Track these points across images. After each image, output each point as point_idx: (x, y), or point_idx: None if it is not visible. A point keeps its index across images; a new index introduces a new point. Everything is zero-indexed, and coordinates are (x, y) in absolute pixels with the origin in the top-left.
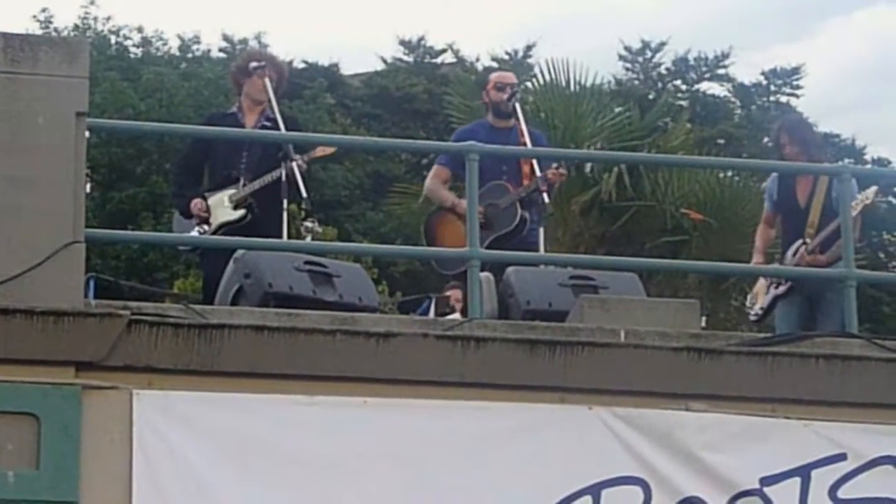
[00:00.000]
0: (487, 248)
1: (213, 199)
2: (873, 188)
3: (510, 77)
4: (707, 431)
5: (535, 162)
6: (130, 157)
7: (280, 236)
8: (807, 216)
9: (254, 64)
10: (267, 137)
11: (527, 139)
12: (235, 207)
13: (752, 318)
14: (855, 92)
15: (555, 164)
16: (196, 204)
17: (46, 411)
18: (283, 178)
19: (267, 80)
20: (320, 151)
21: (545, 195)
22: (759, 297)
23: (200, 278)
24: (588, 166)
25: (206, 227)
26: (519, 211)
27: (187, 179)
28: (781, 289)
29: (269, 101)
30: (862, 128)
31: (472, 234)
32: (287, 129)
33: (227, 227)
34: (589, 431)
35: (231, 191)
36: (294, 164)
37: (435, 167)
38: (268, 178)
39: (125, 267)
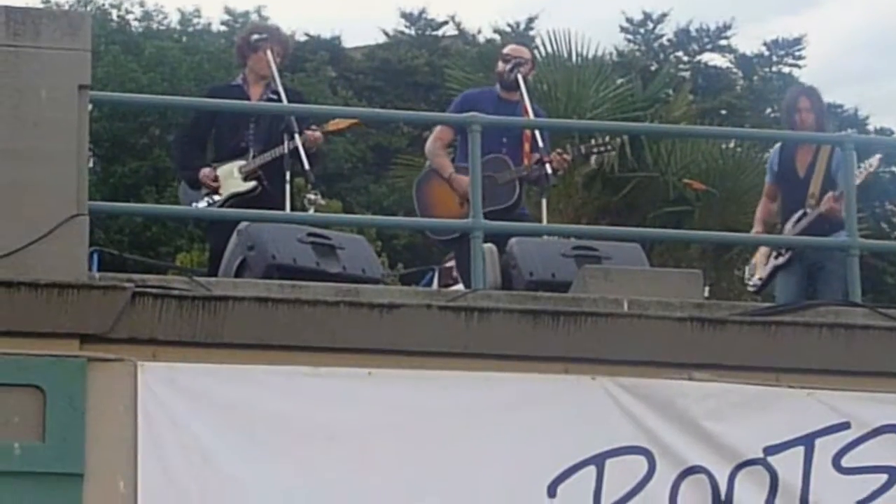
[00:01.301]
0: None
1: (222, 170)
2: (877, 156)
3: (518, 51)
4: (710, 401)
5: (538, 136)
6: (133, 132)
7: (284, 209)
8: (807, 187)
9: (255, 36)
10: (272, 109)
11: (531, 113)
12: (245, 179)
13: (751, 288)
14: (857, 63)
15: (558, 150)
16: (206, 173)
17: (52, 384)
18: (290, 151)
19: (270, 55)
20: (333, 125)
21: (548, 165)
22: (758, 268)
23: (204, 252)
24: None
25: (215, 197)
26: (517, 189)
27: (192, 150)
28: (781, 259)
29: (273, 76)
30: (864, 98)
31: (475, 206)
32: (291, 102)
33: (236, 199)
34: (592, 401)
35: (241, 162)
36: (303, 136)
37: (437, 128)
38: (279, 151)
39: (128, 242)
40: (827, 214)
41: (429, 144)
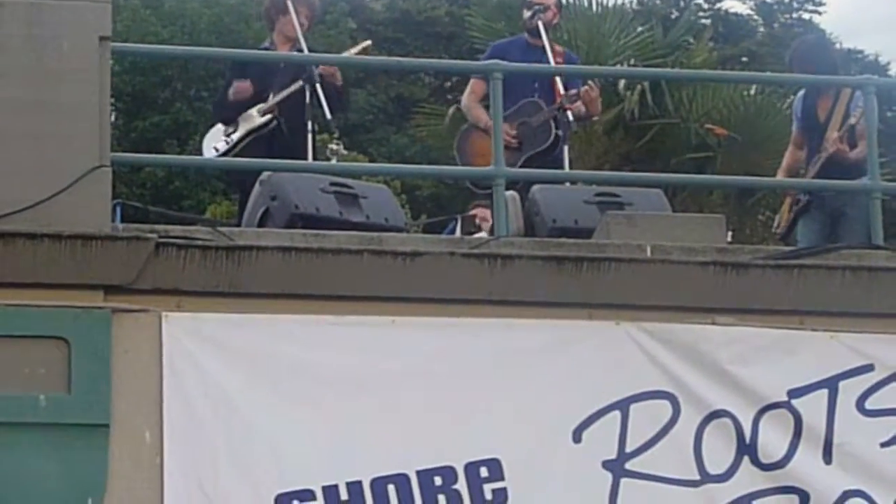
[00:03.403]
0: (521, 167)
1: (243, 115)
2: None
3: None
4: (734, 345)
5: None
6: (154, 86)
7: (305, 156)
8: (825, 132)
9: None
10: (291, 59)
11: (550, 58)
12: (262, 115)
13: (777, 237)
14: (879, 10)
15: (586, 86)
16: (239, 85)
17: (77, 335)
18: (308, 94)
19: (294, 16)
20: (346, 54)
21: (569, 113)
22: (784, 216)
23: (232, 204)
24: (620, 84)
25: (233, 136)
26: (553, 129)
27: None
28: (801, 204)
29: (297, 38)
30: (886, 46)
31: (496, 153)
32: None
33: (253, 135)
34: (616, 347)
35: (260, 105)
36: (319, 74)
37: (472, 82)
38: (294, 87)
39: (151, 195)
40: (835, 156)
41: (464, 99)
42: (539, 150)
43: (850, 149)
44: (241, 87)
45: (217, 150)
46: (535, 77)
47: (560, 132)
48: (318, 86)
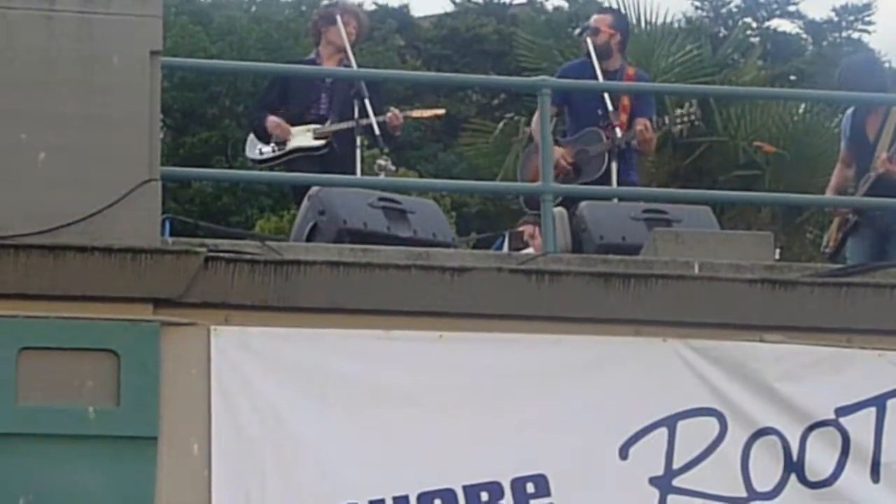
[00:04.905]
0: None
1: (296, 129)
2: None
3: (596, 19)
4: (782, 362)
5: (628, 101)
6: (203, 102)
7: (353, 173)
8: (875, 151)
9: (331, 7)
10: (342, 74)
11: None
12: (316, 139)
13: (826, 256)
14: None
15: (640, 128)
16: (273, 120)
17: (126, 348)
18: (364, 126)
19: (341, 25)
20: (417, 113)
21: (617, 129)
22: (832, 237)
23: (282, 219)
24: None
25: (277, 147)
26: (605, 162)
27: (261, 113)
28: (849, 224)
29: (345, 49)
30: None
31: (544, 169)
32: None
33: (301, 153)
34: (663, 364)
35: (316, 126)
36: (385, 117)
37: None
38: (364, 123)
39: (199, 211)
40: (884, 176)
41: (535, 120)
42: (590, 180)
43: None
44: (282, 129)
45: (262, 152)
46: (599, 105)
47: (613, 165)
48: (376, 125)
